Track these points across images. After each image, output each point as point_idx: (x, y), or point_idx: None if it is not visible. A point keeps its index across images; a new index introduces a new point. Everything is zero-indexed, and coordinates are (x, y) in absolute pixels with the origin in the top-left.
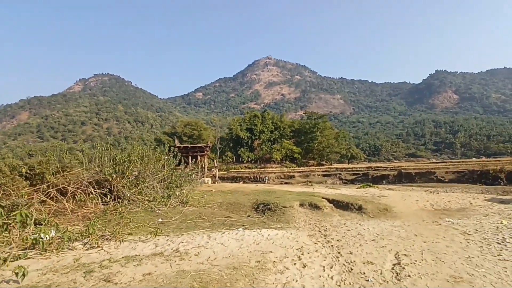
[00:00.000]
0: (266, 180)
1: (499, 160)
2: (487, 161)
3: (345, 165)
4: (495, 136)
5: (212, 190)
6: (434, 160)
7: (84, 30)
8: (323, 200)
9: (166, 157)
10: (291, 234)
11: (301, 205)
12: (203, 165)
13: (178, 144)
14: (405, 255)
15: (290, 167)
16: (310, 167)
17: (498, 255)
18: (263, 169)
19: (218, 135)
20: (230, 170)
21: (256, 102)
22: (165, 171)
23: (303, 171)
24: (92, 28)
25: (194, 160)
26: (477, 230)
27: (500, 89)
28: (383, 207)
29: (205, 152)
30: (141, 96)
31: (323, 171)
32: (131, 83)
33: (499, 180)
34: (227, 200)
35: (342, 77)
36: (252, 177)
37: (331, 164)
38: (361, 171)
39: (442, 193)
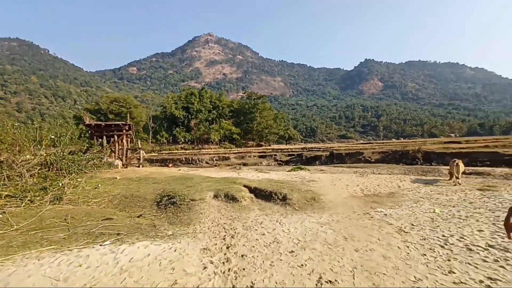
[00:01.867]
0: (199, 162)
1: (415, 141)
2: (406, 142)
3: (282, 146)
4: (410, 120)
5: (116, 178)
6: (362, 141)
7: None
8: (243, 189)
9: (54, 137)
10: (175, 250)
11: (216, 196)
12: (123, 147)
13: (88, 122)
14: (330, 281)
15: (228, 148)
16: (247, 148)
17: (449, 271)
18: (198, 150)
19: (150, 114)
20: (162, 152)
21: (196, 80)
22: (45, 154)
23: (239, 152)
24: None
25: (109, 140)
26: (413, 225)
27: (415, 79)
28: (311, 195)
29: (123, 131)
30: (62, 67)
31: (259, 152)
32: (48, 51)
33: (417, 159)
34: (127, 191)
35: (282, 60)
36: (184, 159)
37: (269, 145)
38: (296, 152)
39: (371, 175)
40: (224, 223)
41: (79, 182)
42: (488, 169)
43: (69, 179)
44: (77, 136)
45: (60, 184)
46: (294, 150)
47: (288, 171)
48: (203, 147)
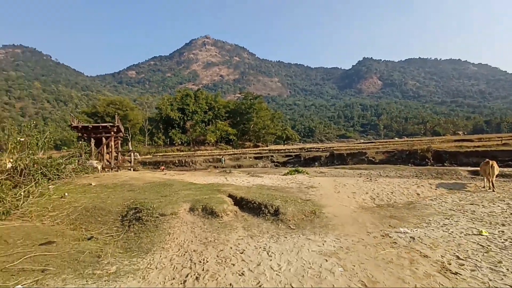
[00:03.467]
0: (192, 165)
1: (421, 140)
2: (412, 140)
3: (279, 147)
4: (411, 119)
5: (91, 184)
6: (362, 141)
7: None
8: (227, 200)
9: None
10: None
11: (192, 209)
12: (111, 149)
13: (74, 124)
14: None
15: (225, 149)
16: (243, 149)
17: None
18: (193, 153)
19: (146, 116)
20: (156, 154)
21: (194, 82)
22: (6, 159)
23: (234, 154)
24: None
25: (100, 143)
26: (459, 258)
27: (415, 76)
28: (311, 208)
29: (111, 133)
30: (64, 72)
31: (255, 153)
32: (51, 57)
33: (426, 160)
34: (93, 201)
35: (279, 60)
36: (177, 162)
37: (266, 146)
38: (293, 152)
39: (380, 180)
40: (194, 251)
41: (47, 190)
42: None
43: (35, 187)
44: (74, 140)
45: (19, 194)
46: (292, 150)
47: (284, 174)
48: (199, 148)
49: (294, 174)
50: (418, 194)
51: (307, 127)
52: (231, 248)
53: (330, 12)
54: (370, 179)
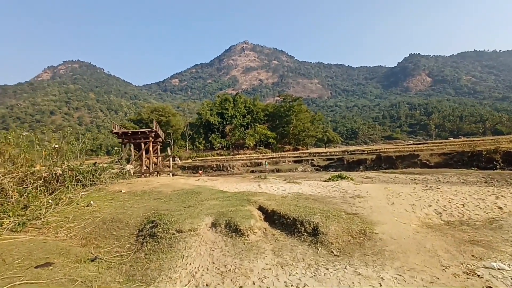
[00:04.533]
0: (230, 169)
1: (483, 140)
2: (472, 141)
3: (320, 150)
4: (467, 117)
5: (121, 191)
6: (412, 141)
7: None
8: (256, 214)
9: (59, 146)
10: None
11: (214, 225)
12: (149, 155)
13: (115, 130)
14: None
15: (263, 153)
16: (282, 153)
17: None
18: (231, 157)
19: (187, 121)
20: (196, 159)
21: (233, 87)
22: (39, 166)
23: (272, 157)
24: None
25: (135, 148)
26: None
27: (470, 71)
28: (359, 226)
29: (150, 138)
30: (114, 83)
31: (294, 157)
32: (104, 70)
33: (494, 162)
34: (115, 211)
35: (319, 62)
36: (215, 166)
37: (307, 149)
38: (335, 155)
39: (444, 188)
40: (207, 285)
41: (76, 197)
42: None
43: (66, 194)
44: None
45: (48, 201)
46: (333, 153)
47: (325, 180)
48: (239, 152)
49: (337, 180)
50: (500, 208)
51: (349, 129)
52: (254, 283)
53: (372, 10)
54: (430, 186)
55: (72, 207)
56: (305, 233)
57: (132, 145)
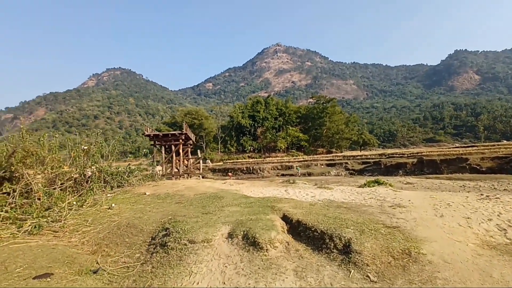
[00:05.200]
0: (260, 172)
1: None
2: None
3: (355, 153)
4: None
5: (145, 193)
6: (458, 144)
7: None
8: (276, 225)
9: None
10: None
11: (230, 236)
12: (180, 157)
13: (147, 132)
14: None
15: (296, 156)
16: (314, 156)
17: None
18: (262, 159)
19: (219, 124)
20: (227, 161)
21: (266, 90)
22: (66, 167)
23: (304, 160)
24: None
25: (166, 150)
26: None
27: None
28: (401, 244)
29: (180, 140)
30: (152, 88)
31: (327, 160)
32: (142, 76)
33: None
34: (133, 215)
35: (354, 62)
36: (245, 169)
37: (341, 152)
38: (372, 159)
39: (505, 197)
40: None
41: (98, 200)
42: None
43: (92, 195)
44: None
45: (63, 204)
46: (369, 157)
47: (360, 186)
48: (270, 155)
49: (373, 186)
50: None
51: (387, 131)
52: None
53: (411, 4)
54: (486, 195)
55: (95, 209)
56: (334, 250)
57: (163, 147)
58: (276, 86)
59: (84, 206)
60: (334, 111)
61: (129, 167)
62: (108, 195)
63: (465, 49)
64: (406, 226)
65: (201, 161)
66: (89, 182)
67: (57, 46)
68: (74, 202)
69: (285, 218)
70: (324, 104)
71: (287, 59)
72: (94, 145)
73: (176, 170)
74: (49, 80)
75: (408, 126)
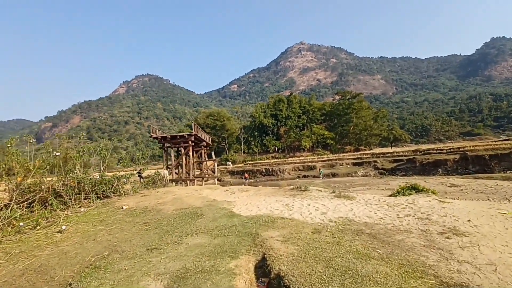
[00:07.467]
0: (280, 173)
1: None
2: None
3: (385, 150)
4: None
5: (123, 208)
6: (503, 137)
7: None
8: (242, 279)
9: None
10: None
11: None
12: (190, 160)
13: (154, 134)
14: None
15: (321, 154)
16: (340, 154)
17: None
18: (283, 160)
19: (241, 125)
20: (248, 163)
21: (290, 89)
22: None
23: (329, 160)
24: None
25: (179, 153)
26: None
27: None
28: None
29: (189, 142)
30: (179, 93)
31: (354, 159)
32: (169, 81)
33: None
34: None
35: (382, 56)
36: (264, 171)
37: (370, 149)
38: (404, 156)
39: None
40: None
41: (57, 219)
42: None
43: (47, 213)
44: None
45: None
46: (402, 153)
47: (391, 195)
48: (295, 154)
49: (409, 194)
50: None
51: (419, 126)
52: None
53: None
54: None
55: (45, 232)
56: None
57: (172, 150)
58: (301, 85)
59: (39, 227)
60: (361, 107)
61: (118, 175)
62: (82, 209)
63: (503, 36)
64: (477, 281)
65: (215, 164)
66: (68, 194)
67: (91, 56)
68: (21, 224)
69: (263, 263)
70: (350, 100)
71: (311, 57)
72: (78, 151)
73: (186, 174)
74: (83, 89)
75: (442, 120)
